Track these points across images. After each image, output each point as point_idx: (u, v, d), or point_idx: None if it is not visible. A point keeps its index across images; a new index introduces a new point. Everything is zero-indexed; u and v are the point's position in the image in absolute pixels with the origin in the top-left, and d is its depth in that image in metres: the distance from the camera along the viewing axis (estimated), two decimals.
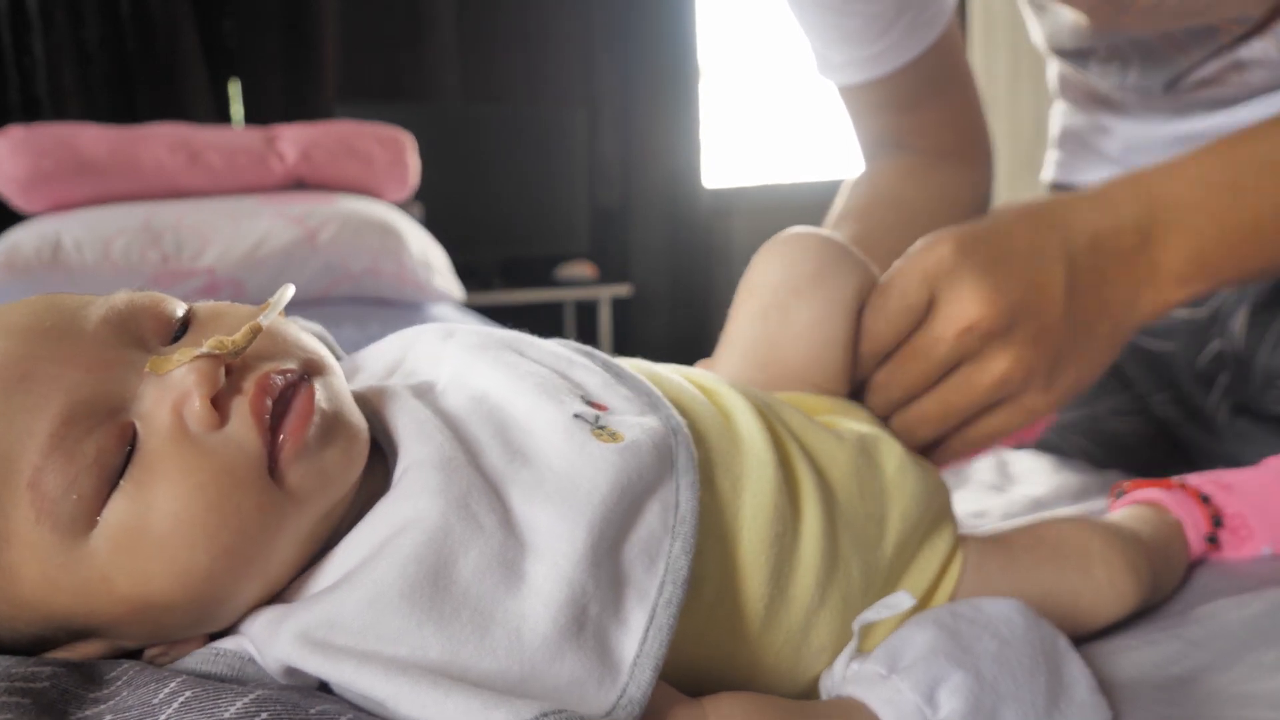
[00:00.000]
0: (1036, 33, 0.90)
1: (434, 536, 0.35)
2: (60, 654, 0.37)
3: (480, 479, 0.37)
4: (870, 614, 0.44)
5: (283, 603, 0.36)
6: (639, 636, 0.35)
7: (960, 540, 0.54)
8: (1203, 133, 0.83)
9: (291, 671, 0.34)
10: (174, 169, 1.94)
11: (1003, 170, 2.31)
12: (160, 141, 1.95)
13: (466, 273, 2.42)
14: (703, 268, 3.53)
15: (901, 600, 0.44)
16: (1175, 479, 0.67)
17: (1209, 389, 0.88)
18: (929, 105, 0.89)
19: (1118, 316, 0.58)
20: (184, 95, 2.61)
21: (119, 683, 0.34)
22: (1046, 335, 0.55)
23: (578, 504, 0.36)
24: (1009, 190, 2.51)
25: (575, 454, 0.38)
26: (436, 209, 2.54)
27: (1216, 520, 0.65)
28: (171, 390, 0.35)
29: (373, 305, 1.84)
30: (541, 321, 2.14)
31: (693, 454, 0.41)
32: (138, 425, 0.35)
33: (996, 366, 0.55)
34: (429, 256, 1.92)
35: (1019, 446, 0.91)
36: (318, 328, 0.47)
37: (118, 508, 0.34)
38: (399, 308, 1.86)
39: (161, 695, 0.32)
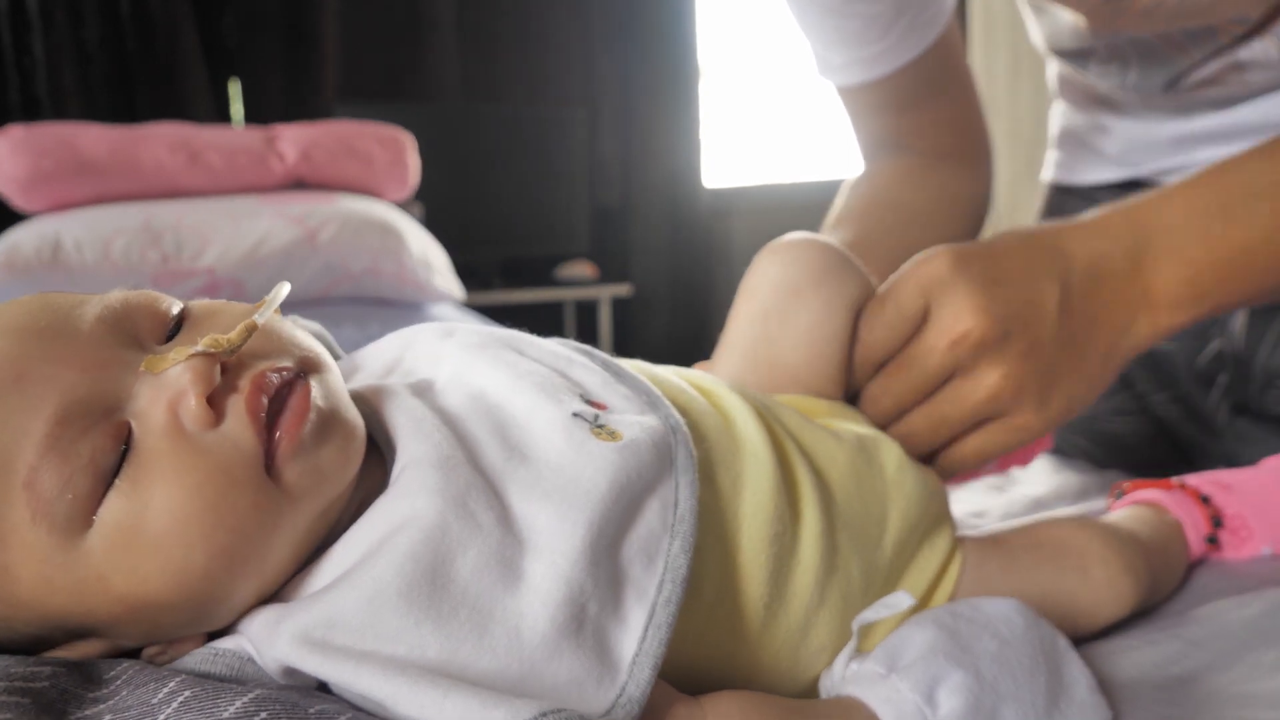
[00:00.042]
0: (1036, 33, 0.90)
1: (432, 535, 0.35)
2: (59, 653, 0.37)
3: (478, 477, 0.37)
4: (870, 614, 0.44)
5: (280, 602, 0.36)
6: (638, 635, 0.35)
7: (959, 541, 0.54)
8: (1203, 133, 0.83)
9: (290, 671, 0.34)
10: (174, 169, 1.94)
11: (1003, 170, 2.31)
12: (160, 141, 1.95)
13: (466, 273, 2.42)
14: (703, 268, 3.53)
15: (901, 600, 0.44)
16: (1175, 479, 0.68)
17: (1209, 389, 0.88)
18: (928, 106, 0.89)
19: (1111, 340, 0.58)
20: (184, 95, 2.61)
21: (118, 682, 0.34)
22: (1039, 352, 0.56)
23: (576, 502, 0.36)
24: (1009, 190, 2.51)
25: (574, 452, 0.38)
26: (436, 209, 2.54)
27: (1216, 521, 0.65)
28: (167, 389, 0.35)
29: (373, 305, 1.84)
30: (541, 321, 2.14)
31: (692, 453, 0.41)
32: (133, 424, 0.35)
33: (988, 380, 0.55)
34: (429, 256, 1.92)
35: (1005, 470, 0.90)
36: (316, 326, 0.47)
37: (113, 507, 0.34)
38: (399, 308, 1.86)
39: (161, 695, 0.32)
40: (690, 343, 3.39)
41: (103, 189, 1.89)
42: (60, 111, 2.47)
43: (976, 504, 0.82)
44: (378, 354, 0.49)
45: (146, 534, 0.34)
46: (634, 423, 0.41)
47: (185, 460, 0.34)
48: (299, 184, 2.06)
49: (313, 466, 0.36)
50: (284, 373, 0.37)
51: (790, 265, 0.57)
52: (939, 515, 0.53)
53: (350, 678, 0.32)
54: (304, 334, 0.41)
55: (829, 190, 1.02)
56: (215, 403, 0.35)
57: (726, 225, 3.55)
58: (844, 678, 0.43)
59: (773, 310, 0.56)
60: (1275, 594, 0.58)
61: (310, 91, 2.83)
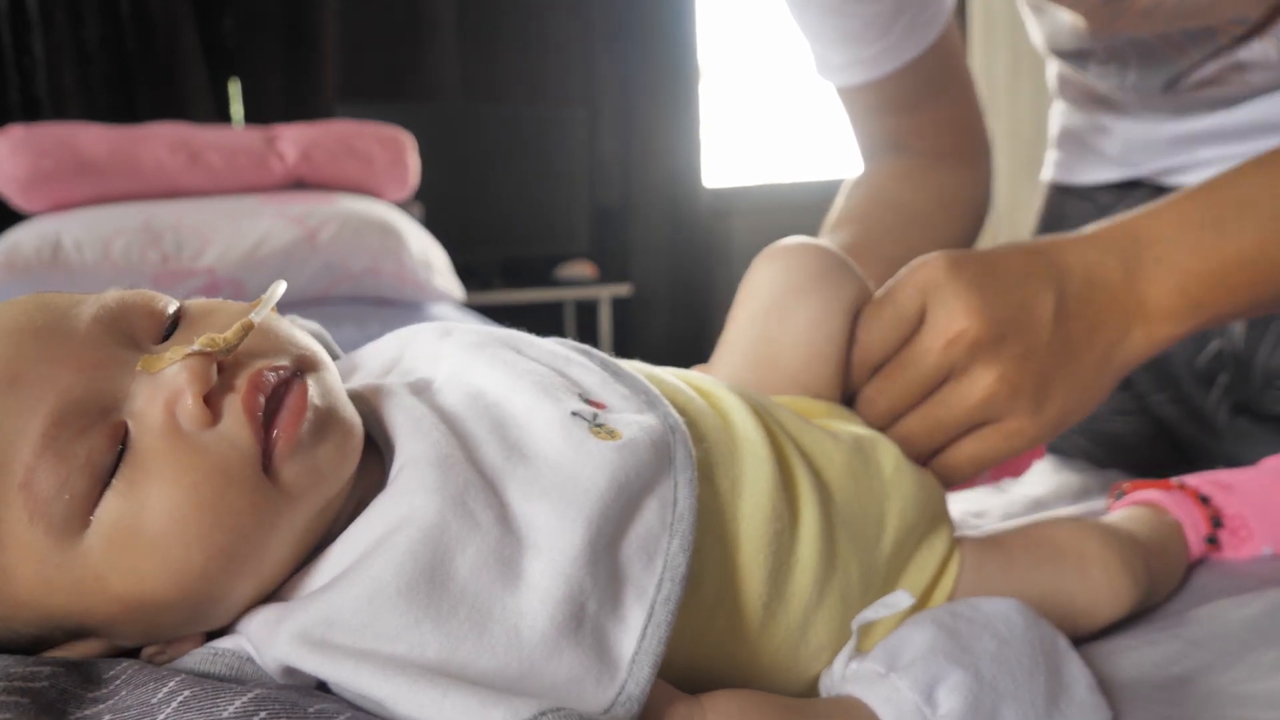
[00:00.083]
0: (1035, 34, 0.90)
1: (431, 533, 0.35)
2: (58, 653, 0.37)
3: (477, 475, 0.37)
4: (869, 613, 0.44)
5: (279, 600, 0.36)
6: (637, 633, 0.35)
7: (957, 542, 0.54)
8: (1202, 133, 0.84)
9: (290, 671, 0.34)
10: (174, 169, 1.94)
11: (1003, 170, 2.31)
12: (160, 141, 1.95)
13: (466, 273, 2.42)
14: (703, 268, 3.53)
15: (900, 599, 0.44)
16: (1174, 480, 0.68)
17: (1209, 389, 0.88)
18: (928, 106, 0.89)
19: (1106, 349, 0.59)
20: (184, 95, 2.61)
21: (117, 682, 0.34)
22: (1033, 356, 0.56)
23: (575, 501, 0.36)
24: (1009, 190, 2.51)
25: (573, 451, 0.38)
26: (436, 209, 2.54)
27: (1216, 521, 0.65)
28: (164, 389, 0.35)
29: (373, 305, 1.84)
30: (541, 321, 2.14)
31: (691, 452, 0.41)
32: (130, 424, 0.35)
33: (983, 382, 0.55)
34: (429, 256, 1.92)
35: (997, 482, 0.89)
36: (314, 326, 0.47)
37: (111, 507, 0.34)
38: (399, 307, 1.86)
39: (160, 694, 0.32)
40: (690, 343, 3.39)
41: (103, 189, 1.89)
42: (60, 111, 2.47)
43: (977, 504, 0.82)
44: (376, 354, 0.49)
45: (144, 534, 0.34)
46: (632, 422, 0.41)
47: (182, 460, 0.34)
48: (299, 184, 2.06)
49: (310, 465, 0.36)
50: (281, 371, 0.37)
51: (789, 267, 0.57)
52: (936, 516, 0.53)
53: (349, 677, 0.32)
54: (301, 333, 0.41)
55: (829, 190, 1.02)
56: (212, 402, 0.35)
57: (726, 225, 3.55)
58: (844, 677, 0.43)
59: (773, 309, 0.57)
60: (1275, 594, 0.58)
61: (310, 91, 2.83)
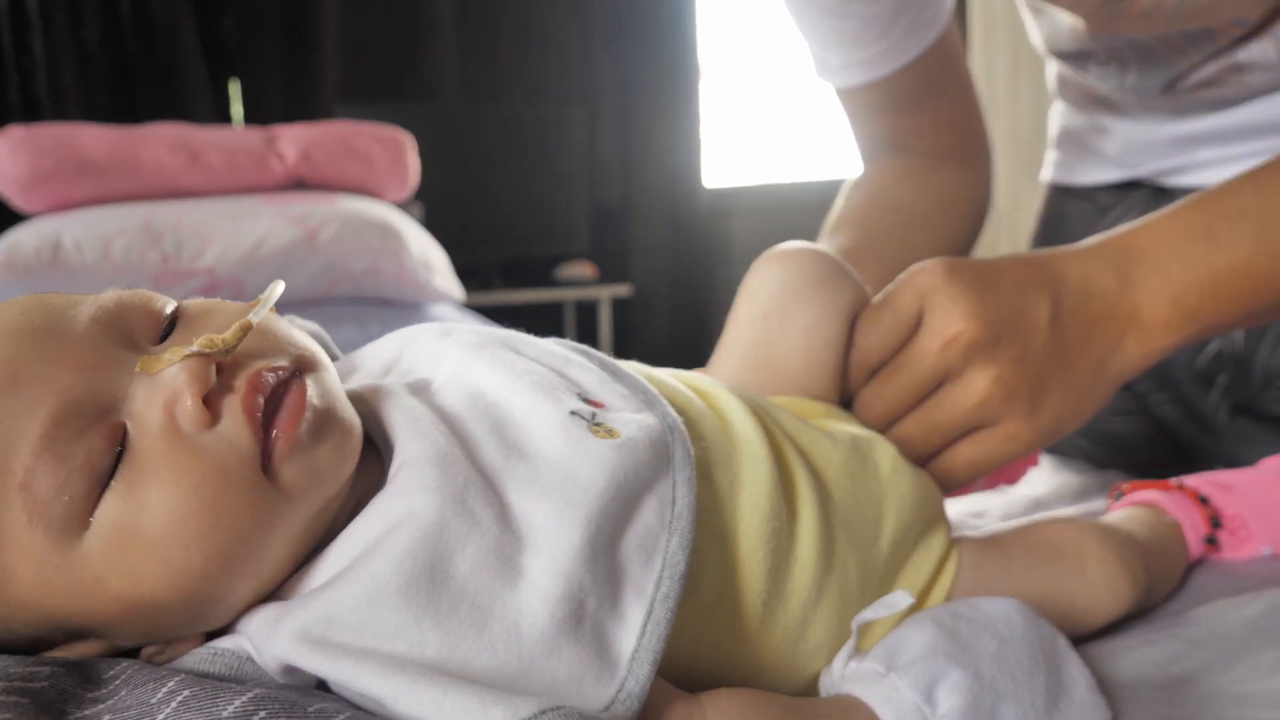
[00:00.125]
0: (1035, 34, 0.90)
1: (430, 532, 0.35)
2: (58, 653, 0.37)
3: (477, 474, 0.37)
4: (869, 613, 0.44)
5: (279, 600, 0.36)
6: (636, 631, 0.35)
7: (956, 542, 0.54)
8: (1202, 133, 0.84)
9: (289, 670, 0.34)
10: (174, 169, 1.94)
11: (1002, 170, 2.31)
12: (160, 141, 1.95)
13: (466, 273, 2.42)
14: (703, 268, 3.53)
15: (900, 599, 0.44)
16: (1173, 480, 0.68)
17: (1208, 389, 0.88)
18: (927, 107, 0.89)
19: (1102, 356, 0.59)
20: (184, 95, 2.61)
21: (117, 682, 0.34)
22: (1029, 359, 0.57)
23: (575, 499, 0.36)
24: (1009, 190, 2.51)
25: (572, 450, 0.38)
26: (436, 209, 2.54)
27: (1215, 521, 0.65)
28: (162, 389, 0.35)
29: (373, 305, 1.84)
30: (541, 321, 2.14)
31: (689, 451, 0.41)
32: (129, 425, 0.35)
33: (979, 384, 0.56)
34: (429, 256, 1.92)
35: (993, 488, 0.89)
36: (313, 326, 0.47)
37: (110, 508, 0.34)
38: (399, 308, 1.87)
39: (160, 694, 0.32)
40: (690, 343, 3.39)
41: (103, 189, 1.89)
42: (60, 111, 2.47)
43: (976, 504, 0.82)
44: (375, 354, 0.49)
45: (143, 535, 0.34)
46: (631, 421, 0.41)
47: (182, 461, 0.34)
48: (299, 184, 2.06)
49: (309, 465, 0.36)
50: (280, 372, 0.37)
51: (788, 272, 0.58)
52: (934, 516, 0.53)
53: (349, 675, 0.32)
54: (300, 333, 0.41)
55: (829, 190, 1.02)
56: (211, 403, 0.35)
57: (726, 225, 3.56)
58: (843, 676, 0.43)
59: (772, 313, 0.57)
60: (1275, 594, 0.58)
61: (310, 91, 2.83)
